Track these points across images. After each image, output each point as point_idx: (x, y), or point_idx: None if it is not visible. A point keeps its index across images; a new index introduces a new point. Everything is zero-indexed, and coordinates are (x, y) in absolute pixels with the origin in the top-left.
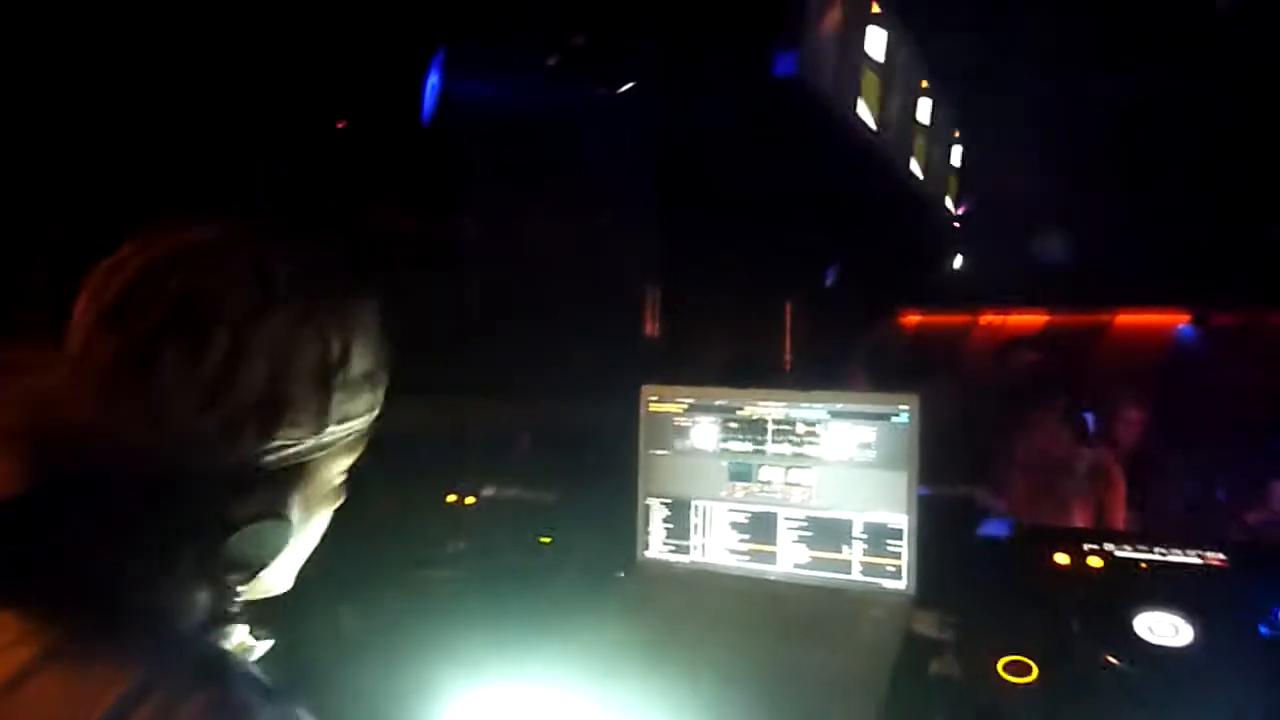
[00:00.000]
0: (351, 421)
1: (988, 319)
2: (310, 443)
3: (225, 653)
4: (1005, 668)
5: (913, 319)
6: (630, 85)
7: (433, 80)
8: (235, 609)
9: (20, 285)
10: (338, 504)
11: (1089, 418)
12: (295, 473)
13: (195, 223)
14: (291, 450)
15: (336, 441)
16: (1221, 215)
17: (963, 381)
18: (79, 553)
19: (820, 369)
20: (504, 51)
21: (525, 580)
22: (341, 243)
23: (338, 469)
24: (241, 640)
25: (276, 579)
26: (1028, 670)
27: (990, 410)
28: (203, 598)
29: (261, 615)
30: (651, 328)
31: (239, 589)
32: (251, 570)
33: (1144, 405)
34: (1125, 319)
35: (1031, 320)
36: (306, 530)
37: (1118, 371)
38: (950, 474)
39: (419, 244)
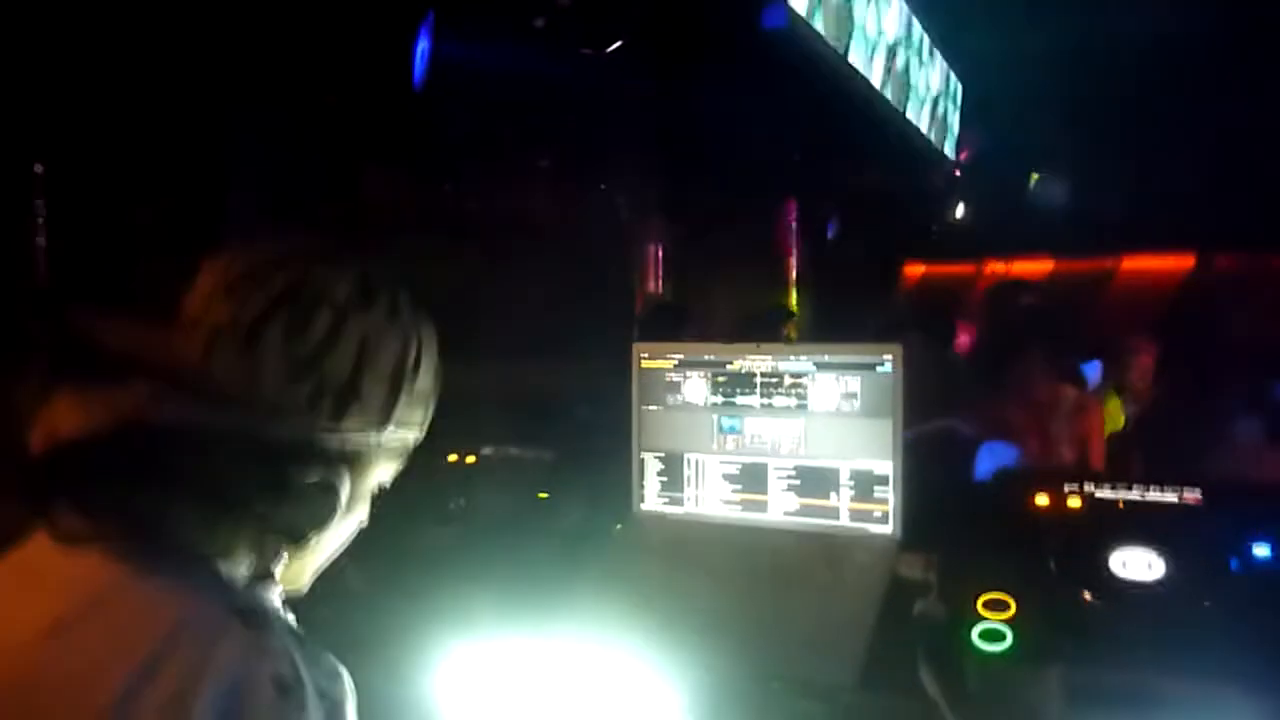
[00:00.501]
0: (405, 430)
1: (992, 268)
2: (371, 436)
3: (266, 602)
4: (985, 605)
5: (917, 270)
6: (618, 44)
7: (422, 45)
8: (276, 571)
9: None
10: (366, 515)
11: (1090, 368)
12: (352, 459)
13: (298, 236)
14: (354, 437)
15: (389, 445)
16: (1225, 156)
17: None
18: (158, 492)
19: (825, 323)
20: (491, 14)
21: (525, 535)
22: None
23: (381, 473)
24: (276, 602)
25: (300, 571)
26: (1006, 607)
27: (986, 352)
28: (249, 554)
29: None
30: (655, 286)
31: (282, 557)
32: (295, 537)
33: (1152, 349)
34: (1131, 264)
35: (1036, 268)
36: (337, 530)
37: (1126, 316)
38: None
39: (415, 211)
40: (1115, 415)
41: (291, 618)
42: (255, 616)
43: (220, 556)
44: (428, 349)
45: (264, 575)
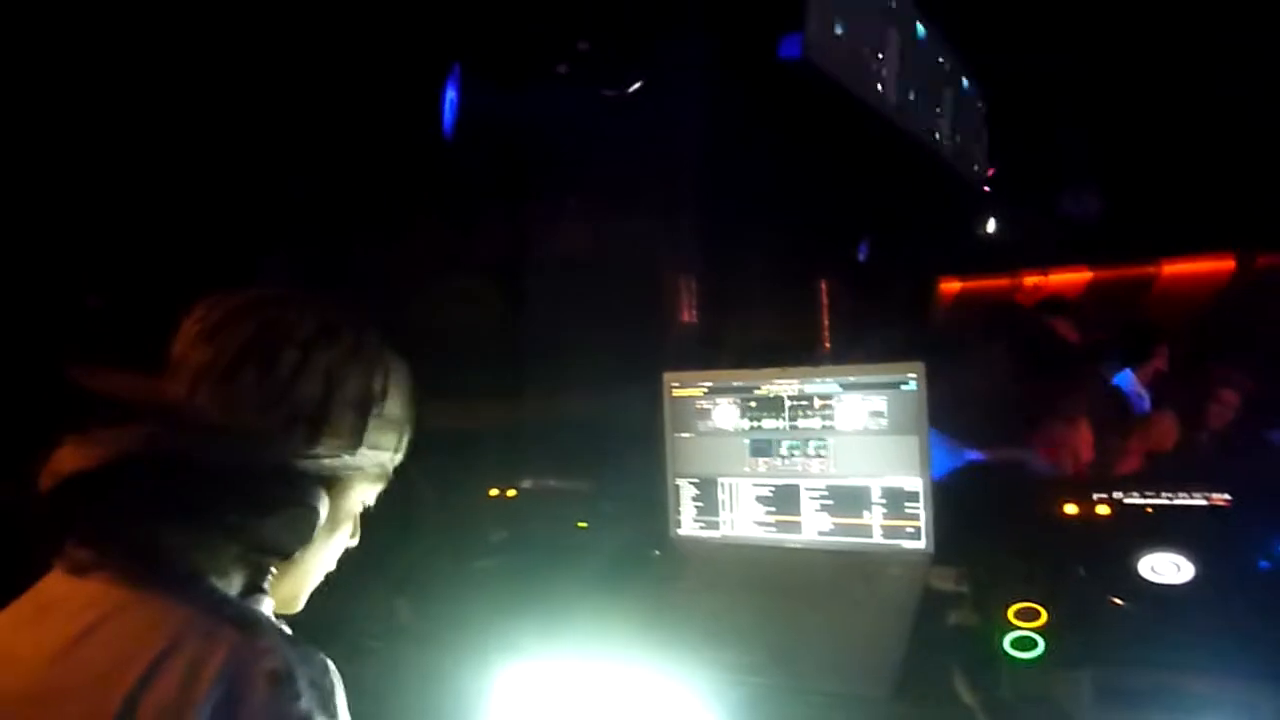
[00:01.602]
0: (380, 452)
1: (1030, 280)
2: (346, 458)
3: (258, 612)
4: (1016, 614)
5: (953, 286)
6: (638, 85)
7: (451, 95)
8: (266, 585)
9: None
10: (352, 537)
11: (1122, 380)
12: (329, 481)
13: (266, 284)
14: (328, 460)
15: (365, 466)
16: (1260, 156)
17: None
18: (153, 520)
19: (859, 348)
20: (516, 62)
21: (565, 563)
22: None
23: (361, 494)
24: (268, 613)
25: (294, 590)
26: (1036, 615)
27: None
28: (241, 571)
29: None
30: (688, 314)
31: (270, 573)
32: (280, 553)
33: (1242, 388)
34: (1171, 269)
35: (1074, 278)
36: (324, 548)
37: (1168, 322)
38: (1001, 438)
39: (452, 257)
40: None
41: (285, 627)
42: (247, 623)
43: (214, 574)
44: (395, 379)
45: (255, 590)
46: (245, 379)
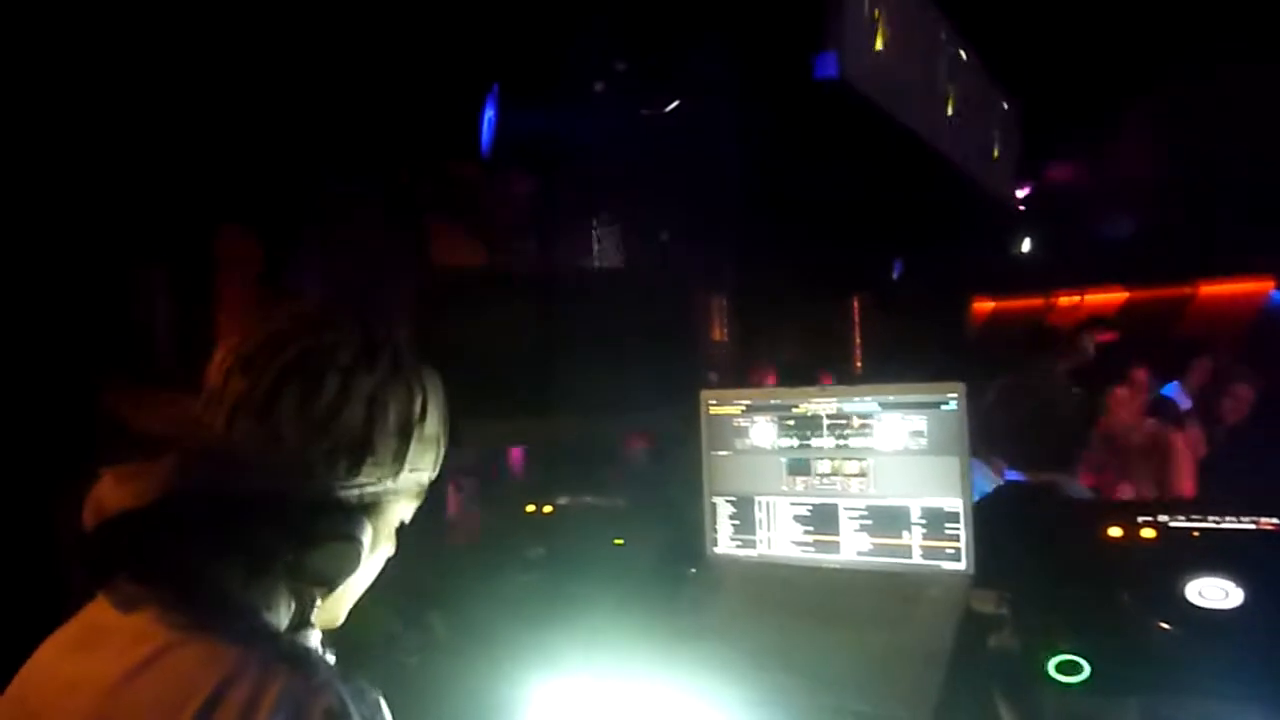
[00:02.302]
0: (420, 472)
1: (1065, 300)
2: (387, 484)
3: (308, 646)
4: (1061, 638)
5: (986, 305)
6: (675, 104)
7: (489, 115)
8: (313, 617)
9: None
10: (392, 549)
11: (1173, 395)
12: (370, 508)
13: (305, 301)
14: (370, 488)
15: (405, 488)
16: None
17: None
18: (201, 555)
19: (891, 367)
20: (554, 83)
21: (602, 580)
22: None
23: (402, 512)
24: (316, 645)
25: (335, 609)
26: (1082, 640)
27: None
28: (288, 603)
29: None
30: (720, 333)
31: (316, 603)
32: (327, 584)
33: (1256, 383)
34: (1209, 289)
35: (1110, 299)
36: (368, 564)
37: (1208, 343)
38: (1037, 459)
39: (487, 274)
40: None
41: (331, 658)
42: (300, 660)
43: (262, 608)
44: (433, 396)
45: (303, 623)
46: (285, 410)
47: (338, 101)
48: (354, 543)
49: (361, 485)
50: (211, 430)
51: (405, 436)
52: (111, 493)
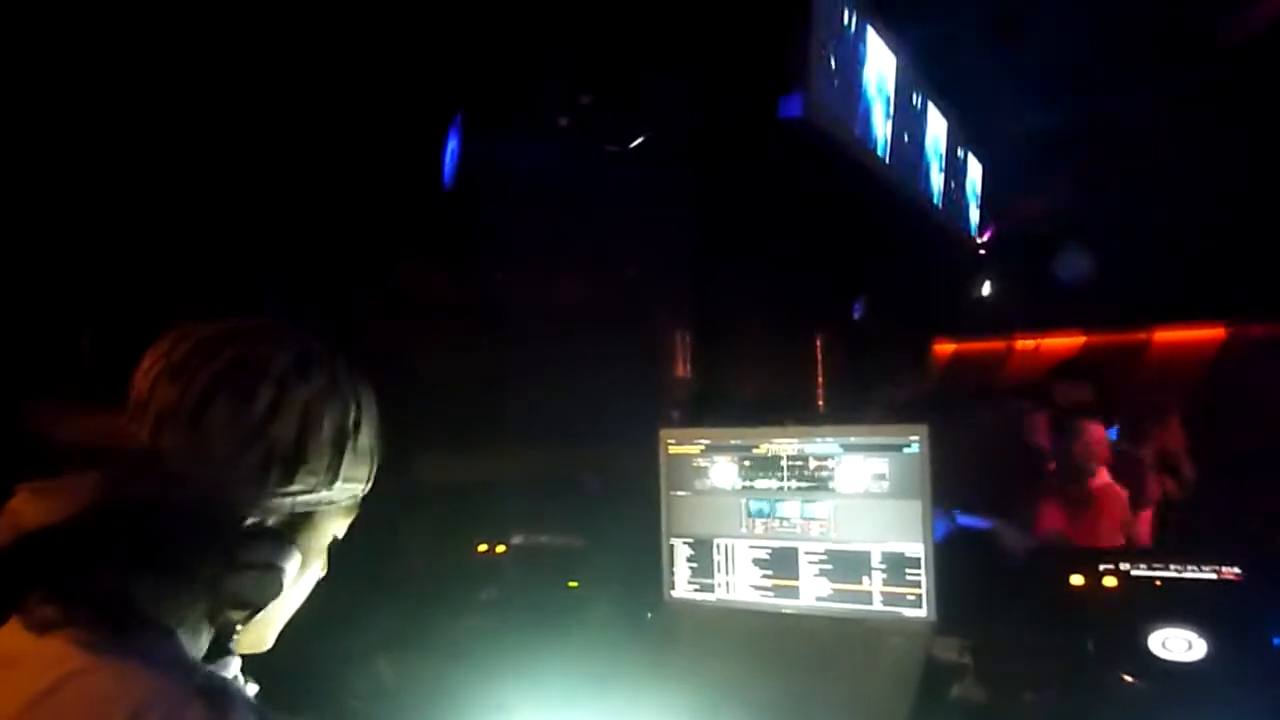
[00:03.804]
0: (353, 485)
1: (1022, 344)
2: (321, 493)
3: (225, 679)
4: (1024, 690)
5: (947, 348)
6: (640, 140)
7: (452, 145)
8: (232, 645)
9: (70, 354)
10: (322, 570)
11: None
12: (303, 519)
13: (238, 314)
14: (303, 497)
15: (339, 500)
16: (1252, 226)
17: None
18: (121, 574)
19: (853, 405)
20: (517, 115)
21: (556, 625)
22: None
23: (334, 527)
24: (236, 676)
25: (262, 633)
26: (1043, 690)
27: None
28: (208, 629)
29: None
30: (682, 369)
31: (236, 628)
32: (248, 608)
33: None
34: (1163, 335)
35: (1067, 343)
36: (296, 586)
37: (1161, 387)
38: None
39: (445, 306)
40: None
41: (252, 689)
42: (216, 694)
43: (182, 632)
44: (367, 410)
45: (221, 651)
46: (215, 420)
47: (295, 130)
48: (275, 571)
49: (294, 494)
50: (137, 440)
51: (339, 448)
52: (28, 508)
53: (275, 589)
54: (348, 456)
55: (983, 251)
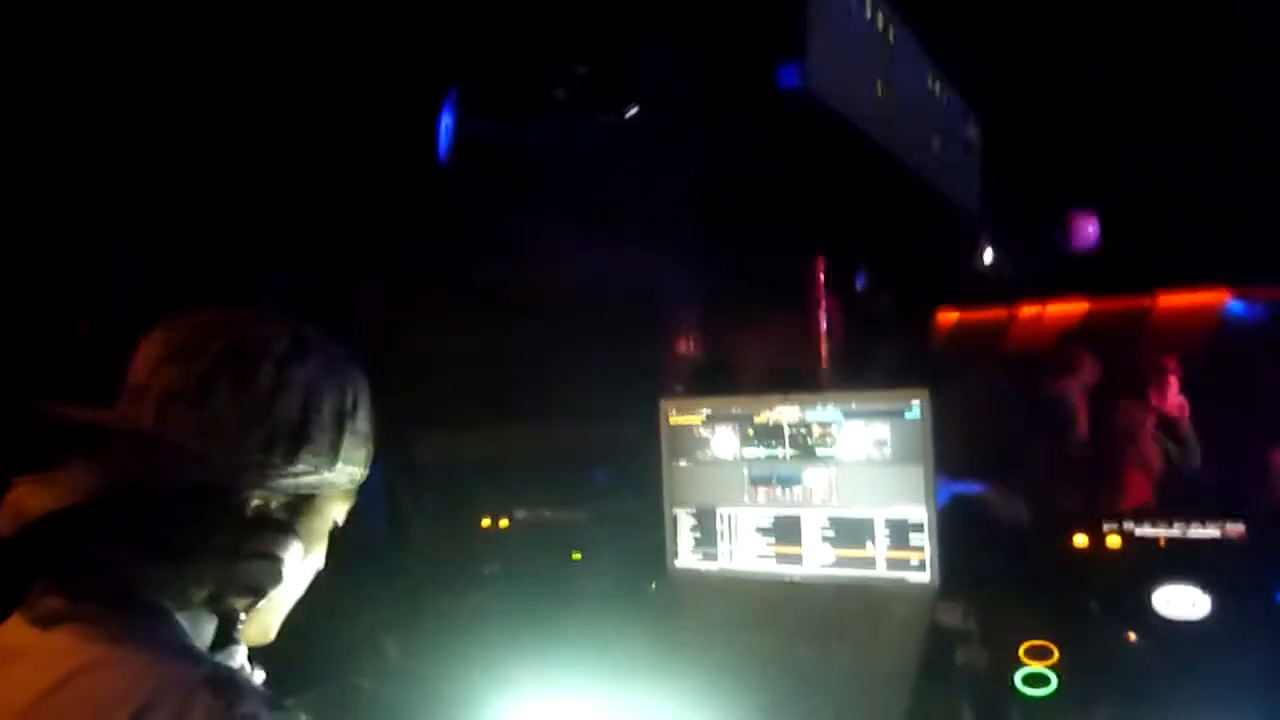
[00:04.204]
0: (353, 467)
1: (1027, 311)
2: (324, 474)
3: (233, 669)
4: (1026, 652)
5: (950, 316)
6: (634, 110)
7: (445, 120)
8: (237, 634)
9: (67, 341)
10: (323, 559)
11: None
12: (304, 502)
13: (238, 297)
14: (307, 479)
15: (339, 483)
16: (1257, 186)
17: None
18: (128, 561)
19: (856, 375)
20: (513, 87)
21: (561, 597)
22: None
23: (334, 511)
24: (242, 664)
25: (266, 623)
26: (1049, 653)
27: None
28: (211, 618)
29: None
30: (686, 346)
31: (241, 616)
32: (253, 596)
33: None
34: (1167, 300)
35: (1071, 309)
36: (298, 573)
37: (1165, 352)
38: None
39: (447, 283)
40: None
41: (259, 676)
42: (224, 684)
43: (185, 616)
44: (363, 393)
45: (228, 640)
46: (220, 399)
47: (292, 104)
48: (275, 562)
49: (298, 475)
50: (140, 425)
51: (340, 428)
52: (31, 498)
53: (278, 575)
54: (348, 437)
55: (985, 219)
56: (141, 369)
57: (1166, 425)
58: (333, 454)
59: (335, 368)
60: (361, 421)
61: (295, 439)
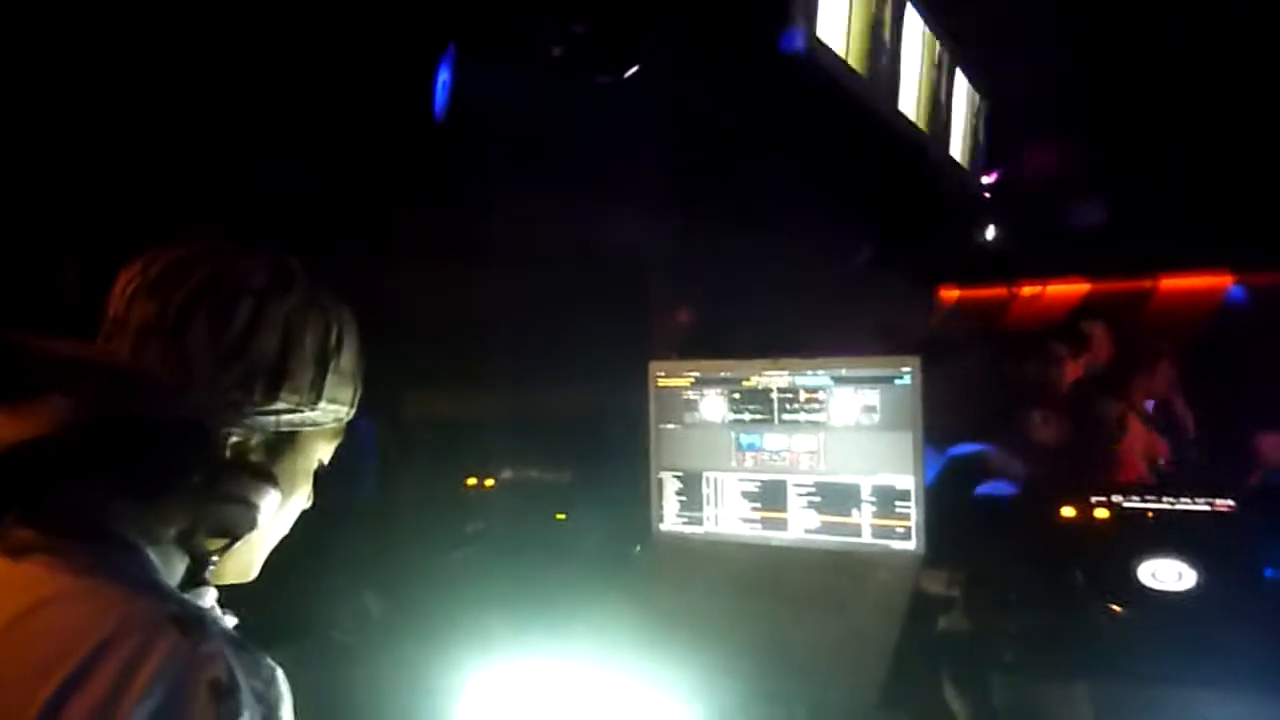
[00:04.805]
0: (337, 406)
1: (1027, 290)
2: (305, 413)
3: (201, 607)
4: (1011, 621)
5: (951, 294)
6: (634, 70)
7: (443, 77)
8: (208, 575)
9: (52, 284)
10: (308, 500)
11: None
12: (286, 441)
13: (216, 234)
14: (288, 416)
15: (323, 422)
16: (1260, 171)
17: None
18: (101, 496)
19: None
20: (510, 44)
21: (545, 558)
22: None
23: (319, 451)
24: (212, 606)
25: (247, 560)
26: (1030, 621)
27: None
28: (182, 556)
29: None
30: (680, 312)
31: (213, 557)
32: (228, 536)
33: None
34: (1169, 283)
35: (1072, 290)
36: (281, 513)
37: (1161, 335)
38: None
39: (435, 240)
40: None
41: (231, 621)
42: (191, 622)
43: (156, 551)
44: (348, 329)
45: (199, 581)
46: (197, 333)
47: (283, 60)
48: (251, 509)
49: (278, 413)
50: (116, 357)
51: (322, 365)
52: (4, 427)
53: (252, 520)
54: (330, 375)
55: (987, 195)
56: (119, 302)
57: (1160, 407)
58: (314, 392)
59: (318, 304)
60: (347, 359)
61: (274, 375)
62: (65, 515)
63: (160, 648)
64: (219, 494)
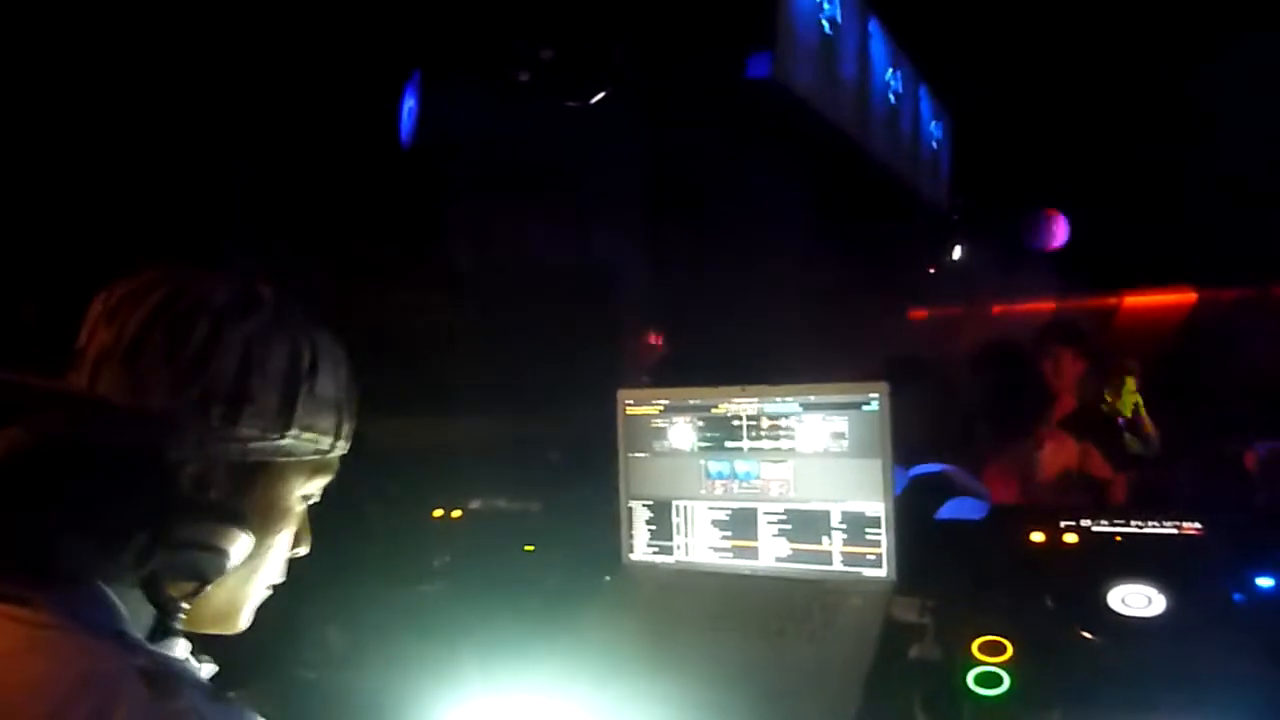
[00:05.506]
0: (316, 435)
1: (995, 310)
2: (275, 442)
3: (170, 658)
4: (980, 648)
5: (920, 314)
6: (602, 96)
7: (409, 104)
8: (178, 624)
9: (12, 318)
10: (297, 538)
11: None
12: (255, 473)
13: (182, 258)
14: (255, 444)
15: (298, 451)
16: (1221, 191)
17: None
18: (52, 533)
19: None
20: (478, 70)
21: (514, 590)
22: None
23: (297, 486)
24: (185, 657)
25: (224, 610)
26: (1002, 649)
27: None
28: (147, 602)
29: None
30: (651, 337)
31: (183, 604)
32: (196, 579)
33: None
34: (1133, 301)
35: (1038, 308)
36: (263, 555)
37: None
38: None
39: (401, 270)
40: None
41: (208, 669)
42: (159, 676)
43: (123, 599)
44: (326, 356)
45: (167, 630)
46: (152, 354)
47: (254, 85)
48: (220, 555)
49: (243, 440)
50: (75, 387)
51: (290, 390)
52: None
53: (219, 564)
54: (302, 401)
55: (955, 217)
56: (83, 332)
57: (1129, 422)
58: (283, 420)
59: (286, 326)
60: (325, 385)
61: (234, 399)
62: (17, 556)
63: (125, 704)
64: (176, 538)
